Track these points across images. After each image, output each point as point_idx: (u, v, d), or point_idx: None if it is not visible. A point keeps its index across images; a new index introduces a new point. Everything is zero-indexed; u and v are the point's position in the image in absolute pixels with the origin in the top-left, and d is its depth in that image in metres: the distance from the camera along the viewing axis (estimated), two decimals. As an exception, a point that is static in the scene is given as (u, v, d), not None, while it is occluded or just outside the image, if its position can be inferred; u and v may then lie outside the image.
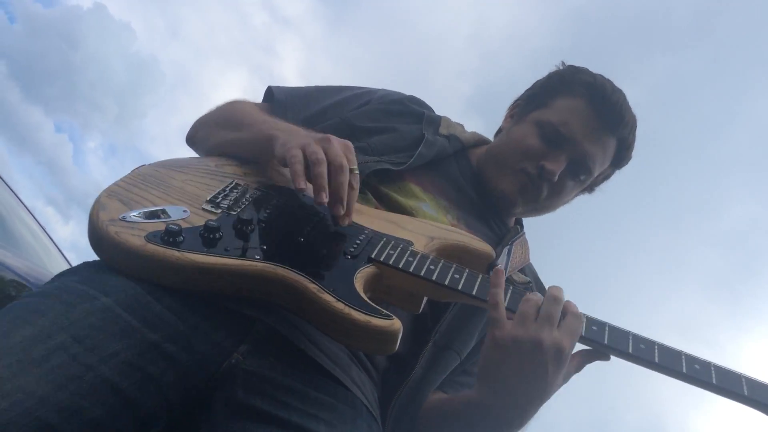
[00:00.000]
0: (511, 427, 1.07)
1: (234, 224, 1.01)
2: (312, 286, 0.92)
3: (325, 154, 1.04)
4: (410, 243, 1.10)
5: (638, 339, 0.99)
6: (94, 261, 1.02)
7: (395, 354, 1.19)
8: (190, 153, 1.42)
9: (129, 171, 1.15)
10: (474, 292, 1.03)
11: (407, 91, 1.60)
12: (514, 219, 1.53)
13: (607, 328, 1.01)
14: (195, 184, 1.14)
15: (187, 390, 0.89)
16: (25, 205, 3.67)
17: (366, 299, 0.93)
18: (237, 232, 1.00)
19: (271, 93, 1.50)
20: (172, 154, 1.29)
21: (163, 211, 1.02)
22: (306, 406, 0.93)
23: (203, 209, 1.06)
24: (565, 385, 1.05)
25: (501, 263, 1.31)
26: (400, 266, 1.03)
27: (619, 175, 1.52)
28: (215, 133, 1.36)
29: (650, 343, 0.98)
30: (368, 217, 1.18)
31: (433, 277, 1.02)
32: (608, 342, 0.99)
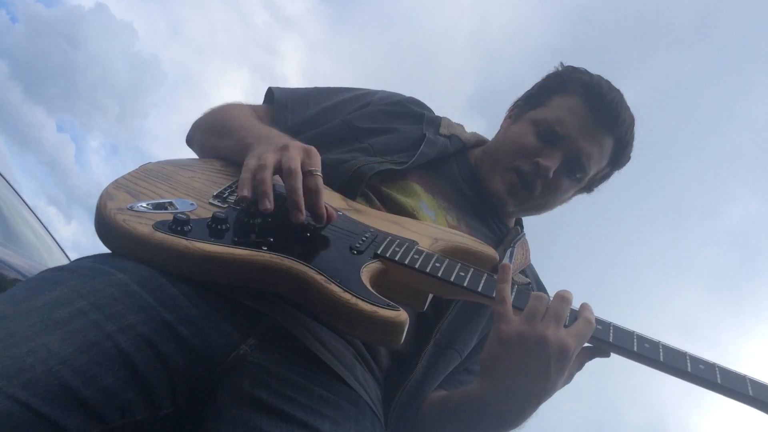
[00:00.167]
0: (509, 423, 1.07)
1: (241, 217, 1.01)
2: (319, 277, 0.92)
3: (280, 160, 1.03)
4: (415, 242, 1.10)
5: (643, 339, 0.99)
6: (104, 253, 1.01)
7: (397, 352, 1.20)
8: (191, 153, 1.43)
9: (131, 170, 1.15)
10: (480, 289, 1.03)
11: (408, 91, 1.62)
12: (513, 219, 1.53)
13: (611, 328, 1.01)
14: (202, 180, 1.15)
15: (193, 377, 0.88)
16: (27, 205, 3.68)
17: (373, 291, 0.93)
18: (244, 225, 1.00)
19: (271, 94, 1.51)
20: (173, 154, 1.30)
21: (171, 203, 1.02)
22: (310, 402, 0.93)
23: (210, 203, 1.06)
24: (568, 385, 1.05)
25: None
26: (407, 262, 1.03)
27: (620, 175, 1.53)
28: (206, 139, 1.37)
29: (654, 343, 0.98)
30: (371, 217, 1.18)
31: (439, 274, 1.02)
32: (613, 341, 0.99)
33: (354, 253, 1.03)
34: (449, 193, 1.41)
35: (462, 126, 1.59)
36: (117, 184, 1.05)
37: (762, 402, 0.91)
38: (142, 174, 1.11)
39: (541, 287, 1.46)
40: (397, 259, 1.03)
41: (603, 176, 1.52)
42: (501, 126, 1.57)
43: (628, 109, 1.41)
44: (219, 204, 1.06)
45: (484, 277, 1.05)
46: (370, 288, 0.94)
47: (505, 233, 1.45)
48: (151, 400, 0.84)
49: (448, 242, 1.16)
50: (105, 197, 0.99)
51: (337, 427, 0.93)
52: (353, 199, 1.24)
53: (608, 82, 1.42)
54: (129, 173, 1.11)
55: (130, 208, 0.97)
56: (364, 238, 1.07)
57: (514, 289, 1.04)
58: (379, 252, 1.04)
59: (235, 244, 0.95)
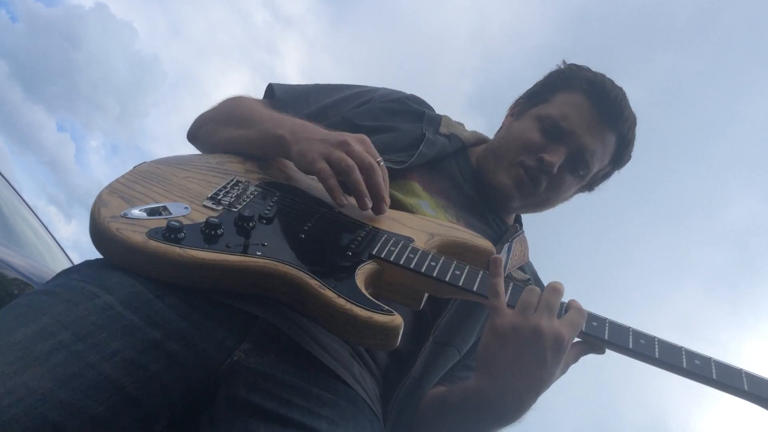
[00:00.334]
0: (508, 416, 1.07)
1: (235, 221, 1.01)
2: (313, 282, 0.92)
3: (350, 157, 1.07)
4: (411, 240, 1.10)
5: (638, 335, 0.99)
6: (96, 259, 1.02)
7: (395, 350, 1.20)
8: (191, 150, 1.42)
9: (126, 171, 1.15)
10: (475, 288, 1.03)
11: (409, 89, 1.61)
12: (513, 217, 1.53)
13: (607, 324, 1.01)
14: (196, 181, 1.14)
15: (189, 388, 0.89)
16: (27, 204, 3.68)
17: (367, 295, 0.93)
18: (238, 229, 1.00)
19: (271, 90, 1.50)
20: (173, 153, 1.30)
21: (165, 208, 1.02)
22: (308, 403, 0.93)
23: (204, 206, 1.06)
24: (566, 384, 1.06)
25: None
26: (401, 263, 1.03)
27: (621, 174, 1.53)
28: (219, 130, 1.36)
29: (650, 339, 0.98)
30: (368, 214, 1.18)
31: (434, 274, 1.02)
32: (609, 338, 0.99)
33: (349, 254, 1.03)
34: (448, 191, 1.41)
35: (462, 125, 1.58)
36: (111, 189, 1.05)
37: (757, 396, 0.90)
38: (136, 176, 1.11)
39: (539, 284, 1.45)
40: (392, 259, 1.03)
41: (604, 175, 1.52)
42: (503, 123, 1.57)
43: (630, 107, 1.41)
44: (213, 206, 1.06)
45: (480, 276, 1.05)
46: (364, 291, 0.94)
47: (503, 230, 1.45)
48: (150, 418, 0.85)
49: (444, 237, 1.16)
50: (99, 204, 0.99)
51: (335, 427, 0.93)
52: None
53: (611, 80, 1.42)
54: (123, 176, 1.11)
55: (124, 216, 0.97)
56: (359, 238, 1.07)
57: (510, 287, 1.04)
58: (374, 252, 1.04)
59: (230, 249, 0.95)
